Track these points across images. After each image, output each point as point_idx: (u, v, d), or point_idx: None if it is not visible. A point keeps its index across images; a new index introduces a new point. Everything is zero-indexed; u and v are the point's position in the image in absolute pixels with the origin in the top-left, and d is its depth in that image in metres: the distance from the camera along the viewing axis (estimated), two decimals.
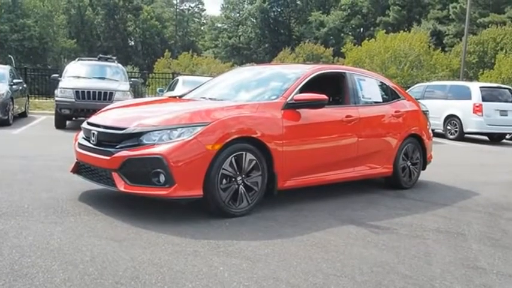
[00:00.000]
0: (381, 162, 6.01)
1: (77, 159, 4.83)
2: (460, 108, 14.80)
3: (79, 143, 4.79)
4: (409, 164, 6.40)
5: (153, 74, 31.00)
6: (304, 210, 4.91)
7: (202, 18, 78.63)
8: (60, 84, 12.00)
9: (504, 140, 15.92)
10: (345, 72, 5.87)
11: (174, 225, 4.08)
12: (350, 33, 58.81)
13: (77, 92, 11.50)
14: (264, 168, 4.59)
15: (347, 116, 5.49)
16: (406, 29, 41.36)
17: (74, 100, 11.45)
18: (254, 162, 4.50)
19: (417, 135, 6.49)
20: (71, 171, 4.96)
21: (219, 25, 70.99)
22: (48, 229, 3.81)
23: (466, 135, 14.92)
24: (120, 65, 13.90)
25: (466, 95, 14.87)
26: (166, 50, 47.07)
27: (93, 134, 4.53)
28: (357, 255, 3.68)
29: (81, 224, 3.98)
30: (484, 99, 14.65)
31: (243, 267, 3.27)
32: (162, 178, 4.11)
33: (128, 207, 4.56)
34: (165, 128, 4.23)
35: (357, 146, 5.61)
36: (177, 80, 14.93)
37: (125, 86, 12.44)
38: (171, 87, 14.76)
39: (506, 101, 15.08)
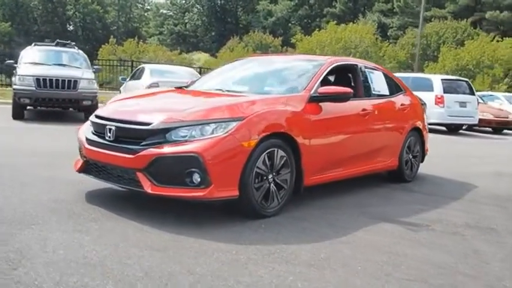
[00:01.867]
0: (389, 156, 5.93)
1: (84, 156, 4.37)
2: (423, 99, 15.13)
3: (88, 139, 4.32)
4: (411, 156, 6.37)
5: (98, 61, 29.63)
6: (329, 207, 4.72)
7: (146, 4, 76.39)
8: (18, 71, 11.11)
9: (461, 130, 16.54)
10: (357, 65, 5.72)
11: (210, 229, 3.75)
12: (297, 24, 59.22)
13: (38, 80, 10.68)
14: (293, 164, 4.35)
15: (363, 110, 5.34)
16: (352, 21, 42.08)
17: (34, 88, 10.63)
18: (285, 158, 4.25)
19: (418, 129, 6.48)
20: (78, 171, 4.49)
21: (164, 11, 69.32)
22: (75, 239, 3.36)
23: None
24: (80, 51, 13.05)
25: (428, 86, 15.22)
26: (111, 36, 45.25)
27: (109, 129, 4.09)
28: (412, 255, 3.53)
29: (109, 232, 3.56)
30: (445, 91, 15.10)
31: (312, 275, 3.02)
32: (196, 178, 3.77)
33: (144, 208, 4.17)
34: (196, 124, 3.88)
35: (371, 139, 5.49)
36: (143, 68, 14.26)
37: (90, 73, 11.69)
38: (137, 76, 14.09)
39: (464, 93, 15.64)
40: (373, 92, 5.75)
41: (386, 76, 6.27)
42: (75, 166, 4.53)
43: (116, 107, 4.53)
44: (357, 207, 4.80)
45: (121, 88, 15.45)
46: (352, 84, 5.64)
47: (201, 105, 4.23)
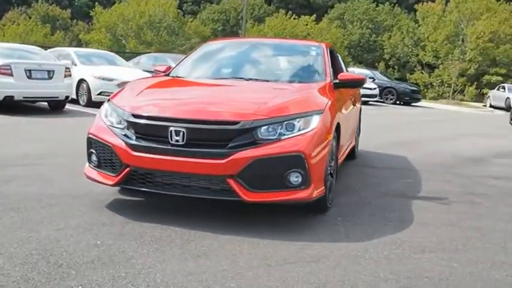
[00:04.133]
0: (353, 137, 6.25)
1: (128, 165, 3.54)
2: None
3: (133, 145, 3.51)
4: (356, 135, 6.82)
5: None
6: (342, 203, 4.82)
7: None
8: None
9: None
10: (334, 49, 5.81)
11: (312, 232, 3.49)
12: None
13: None
14: (335, 154, 4.31)
15: (351, 94, 5.52)
16: None
17: None
18: (335, 149, 4.18)
19: (360, 107, 6.94)
20: (114, 184, 3.64)
21: None
22: (198, 267, 2.79)
23: None
24: None
25: None
26: None
27: (177, 131, 3.39)
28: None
29: (227, 252, 3.04)
30: None
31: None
32: (297, 179, 3.42)
33: (221, 219, 3.62)
34: (283, 120, 3.51)
35: (354, 122, 5.72)
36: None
37: None
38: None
39: None
40: None
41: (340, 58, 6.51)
42: (112, 180, 3.65)
43: (168, 103, 3.76)
44: (363, 197, 5.01)
45: None
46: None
47: (271, 97, 3.79)
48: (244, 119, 3.40)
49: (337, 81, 4.63)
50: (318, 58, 4.89)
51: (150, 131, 3.52)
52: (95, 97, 11.92)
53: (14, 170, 4.89)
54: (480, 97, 28.21)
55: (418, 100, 22.64)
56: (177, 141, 3.39)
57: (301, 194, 3.44)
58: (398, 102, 21.61)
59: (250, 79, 4.50)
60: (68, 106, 10.92)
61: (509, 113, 15.79)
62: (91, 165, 3.85)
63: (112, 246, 3.07)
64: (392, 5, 40.09)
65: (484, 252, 3.36)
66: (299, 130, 3.50)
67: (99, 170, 3.77)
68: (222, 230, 3.42)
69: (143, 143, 3.49)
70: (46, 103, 10.86)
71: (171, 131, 3.40)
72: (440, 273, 2.95)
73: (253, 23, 35.11)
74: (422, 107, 22.38)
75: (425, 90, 29.28)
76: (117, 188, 4.19)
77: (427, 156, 7.33)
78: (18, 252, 2.89)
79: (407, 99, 21.91)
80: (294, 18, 34.21)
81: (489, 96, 25.76)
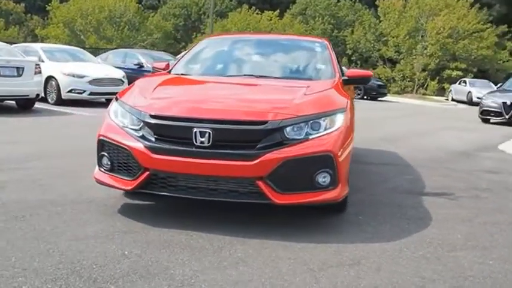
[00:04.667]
0: None
1: (147, 168, 3.34)
2: None
3: (153, 147, 3.30)
4: None
5: None
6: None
7: None
8: None
9: None
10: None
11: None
12: None
13: None
14: None
15: (353, 91, 5.47)
16: None
17: None
18: None
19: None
20: (132, 189, 3.42)
21: None
22: (223, 273, 2.63)
23: None
24: None
25: None
26: None
27: (202, 132, 3.20)
28: None
29: (265, 259, 2.90)
30: None
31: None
32: (325, 179, 3.31)
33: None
34: (309, 119, 3.38)
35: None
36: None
37: None
38: None
39: None
40: None
41: None
42: (128, 185, 3.43)
43: (188, 103, 3.56)
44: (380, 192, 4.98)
45: None
46: None
47: (293, 96, 3.65)
48: (272, 118, 3.27)
49: (345, 77, 4.55)
50: (325, 54, 4.80)
51: (171, 133, 3.32)
52: (64, 95, 11.47)
53: (2, 175, 4.56)
54: (441, 91, 29.00)
55: (385, 95, 23.04)
56: (202, 142, 3.22)
57: (330, 195, 3.35)
58: (365, 97, 21.91)
59: (262, 76, 4.35)
60: (36, 105, 10.42)
61: (472, 107, 16.28)
62: (102, 169, 3.61)
63: (142, 256, 2.88)
64: (354, 0, 40.50)
65: (510, 249, 3.36)
66: (325, 129, 3.39)
67: (112, 174, 3.54)
68: (249, 234, 3.29)
69: (164, 145, 3.29)
70: (14, 102, 10.34)
71: (195, 132, 3.23)
72: (481, 271, 2.93)
73: (215, 18, 34.70)
74: (389, 101, 22.80)
75: (389, 84, 29.82)
76: (120, 192, 3.98)
77: (416, 151, 7.39)
78: (43, 267, 2.66)
79: (374, 94, 22.26)
80: (257, 14, 34.05)
81: (451, 91, 26.51)
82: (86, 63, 12.47)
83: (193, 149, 3.23)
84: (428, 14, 30.80)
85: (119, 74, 12.47)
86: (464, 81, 25.50)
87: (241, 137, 3.25)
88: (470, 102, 22.98)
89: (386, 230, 3.58)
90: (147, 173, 3.33)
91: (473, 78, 27.30)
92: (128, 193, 3.96)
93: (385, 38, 33.31)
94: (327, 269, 2.83)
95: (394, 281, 2.73)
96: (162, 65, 4.89)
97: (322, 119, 3.42)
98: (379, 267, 2.89)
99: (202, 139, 3.21)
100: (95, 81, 11.67)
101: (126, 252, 2.91)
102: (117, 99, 3.80)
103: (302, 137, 3.31)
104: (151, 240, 3.13)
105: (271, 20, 33.64)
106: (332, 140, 3.35)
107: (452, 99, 25.48)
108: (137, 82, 4.11)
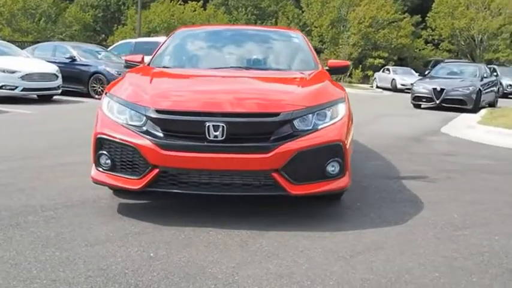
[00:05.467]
0: None
1: (157, 165, 3.18)
2: None
3: (163, 144, 3.15)
4: None
5: None
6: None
7: None
8: None
9: None
10: None
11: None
12: None
13: None
14: None
15: None
16: None
17: None
18: None
19: None
20: (141, 188, 3.24)
21: None
22: (261, 268, 2.62)
23: None
24: None
25: None
26: None
27: (216, 126, 3.10)
28: None
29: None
30: None
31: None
32: (334, 168, 3.35)
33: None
34: (316, 109, 3.39)
35: None
36: None
37: None
38: None
39: None
40: None
41: None
42: (136, 184, 3.25)
43: (195, 96, 3.43)
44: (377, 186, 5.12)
45: None
46: None
47: (295, 87, 3.66)
48: (284, 109, 3.25)
49: (327, 68, 4.62)
50: (303, 46, 4.83)
51: (182, 128, 3.20)
52: None
53: None
54: (365, 79, 30.22)
55: None
56: (215, 136, 3.13)
57: (340, 183, 3.41)
58: None
59: (249, 68, 4.32)
60: None
61: (398, 94, 17.09)
62: (101, 169, 3.41)
63: (170, 256, 2.77)
64: None
65: (506, 224, 3.62)
66: (330, 119, 3.43)
67: (113, 173, 3.35)
68: (262, 227, 3.27)
69: (174, 141, 3.17)
70: None
71: (208, 127, 3.13)
72: (492, 247, 3.12)
73: (136, 10, 33.55)
74: None
75: None
76: (109, 191, 3.82)
77: (373, 138, 7.62)
78: (74, 276, 2.48)
79: None
80: (180, 4, 33.41)
81: (375, 78, 27.69)
82: (16, 58, 11.64)
83: (206, 143, 3.14)
84: (350, 4, 31.92)
85: (52, 68, 11.75)
86: (388, 69, 26.75)
87: (255, 129, 3.21)
88: (395, 89, 24.16)
89: (389, 214, 3.70)
90: (157, 170, 3.19)
91: (394, 66, 28.67)
92: (118, 192, 3.78)
93: (308, 28, 34.08)
94: (356, 255, 2.89)
95: (422, 262, 2.84)
96: (137, 57, 4.68)
97: (327, 109, 3.46)
98: (402, 251, 2.99)
99: (216, 133, 3.13)
100: (27, 77, 10.94)
101: (151, 254, 2.79)
102: (106, 93, 3.60)
103: (310, 127, 3.33)
104: (170, 239, 3.02)
105: (195, 10, 33.14)
106: (340, 129, 3.41)
107: (377, 87, 26.64)
108: (127, 76, 3.91)
